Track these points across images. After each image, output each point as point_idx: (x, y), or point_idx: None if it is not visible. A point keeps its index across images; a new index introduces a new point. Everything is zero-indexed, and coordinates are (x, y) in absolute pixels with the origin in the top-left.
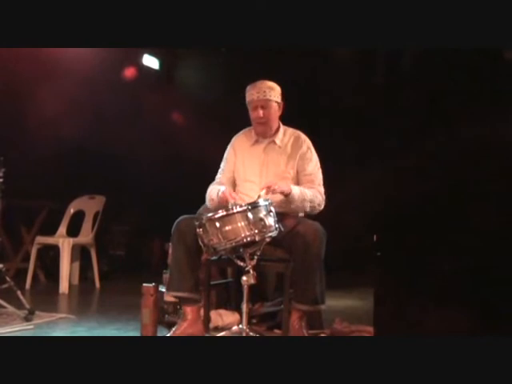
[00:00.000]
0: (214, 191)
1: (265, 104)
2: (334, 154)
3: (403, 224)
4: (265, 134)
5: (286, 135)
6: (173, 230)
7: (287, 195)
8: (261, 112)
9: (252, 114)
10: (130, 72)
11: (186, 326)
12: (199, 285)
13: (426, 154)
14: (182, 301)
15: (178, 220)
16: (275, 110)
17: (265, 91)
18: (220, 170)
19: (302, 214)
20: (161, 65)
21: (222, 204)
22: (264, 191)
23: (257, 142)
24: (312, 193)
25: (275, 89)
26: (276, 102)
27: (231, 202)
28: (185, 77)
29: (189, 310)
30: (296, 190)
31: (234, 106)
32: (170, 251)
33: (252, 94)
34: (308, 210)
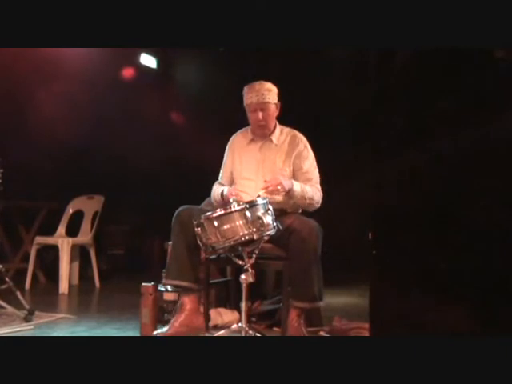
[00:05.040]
0: (217, 193)
1: (264, 107)
2: (332, 154)
3: (399, 222)
4: (263, 135)
5: (282, 134)
6: (173, 220)
7: (289, 191)
8: (260, 115)
9: (251, 117)
10: (127, 71)
11: (184, 316)
12: (198, 274)
13: (424, 152)
14: (181, 290)
15: (178, 210)
16: (273, 111)
17: (263, 94)
18: (221, 170)
19: (300, 209)
20: (158, 63)
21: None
22: (263, 191)
23: (253, 140)
24: (311, 190)
25: (273, 90)
26: (274, 103)
27: (232, 199)
28: (183, 75)
29: (187, 301)
30: (297, 187)
31: (232, 104)
32: (171, 243)
33: (251, 96)
34: (307, 206)
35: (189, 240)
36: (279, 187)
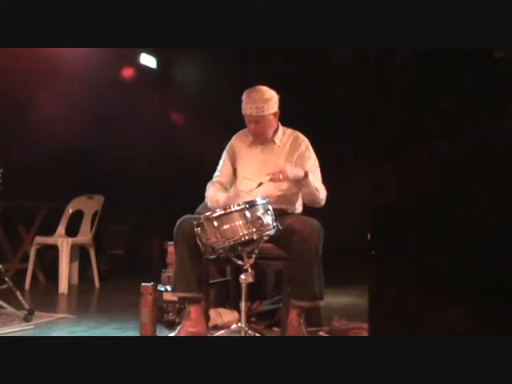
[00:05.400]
0: (217, 199)
1: (260, 119)
2: (332, 154)
3: (399, 222)
4: (262, 142)
5: (285, 135)
6: (175, 230)
7: (304, 178)
8: (255, 126)
9: (248, 126)
10: (127, 71)
11: (189, 324)
12: (203, 283)
13: (424, 152)
14: (188, 301)
15: (179, 220)
16: (270, 121)
17: (261, 107)
18: (219, 168)
19: (300, 210)
20: (158, 63)
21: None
22: (267, 178)
23: (255, 141)
24: (319, 184)
25: (271, 99)
26: (272, 113)
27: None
28: (183, 75)
29: (193, 310)
30: (311, 176)
31: (232, 104)
32: (170, 250)
33: (249, 107)
34: (316, 199)
35: (192, 250)
36: (280, 175)
